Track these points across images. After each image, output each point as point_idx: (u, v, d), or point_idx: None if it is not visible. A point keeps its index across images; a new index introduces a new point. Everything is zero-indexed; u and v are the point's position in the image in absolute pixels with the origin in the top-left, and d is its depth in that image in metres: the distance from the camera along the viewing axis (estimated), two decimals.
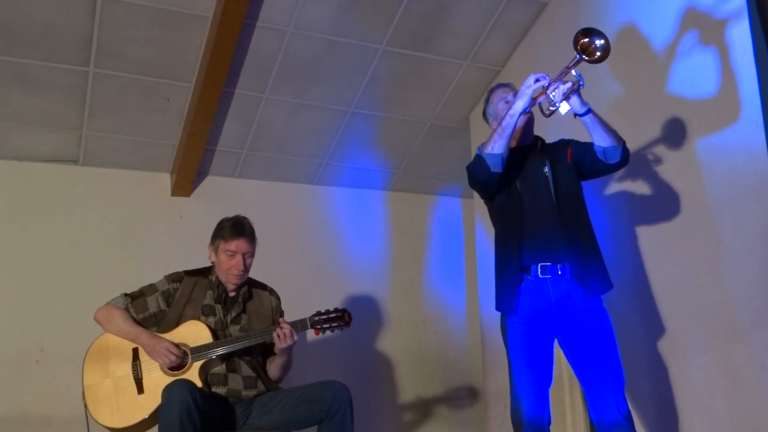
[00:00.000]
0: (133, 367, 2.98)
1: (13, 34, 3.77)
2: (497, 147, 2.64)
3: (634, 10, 3.43)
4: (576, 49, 2.53)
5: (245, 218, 3.18)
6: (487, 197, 2.86)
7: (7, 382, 4.21)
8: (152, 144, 4.60)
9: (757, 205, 2.75)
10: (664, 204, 3.19)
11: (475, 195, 4.76)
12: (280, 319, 3.03)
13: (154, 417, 2.87)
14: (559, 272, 2.64)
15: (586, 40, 2.53)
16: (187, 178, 4.72)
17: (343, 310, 3.10)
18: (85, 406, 2.94)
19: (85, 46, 3.89)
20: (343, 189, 5.23)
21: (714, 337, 2.90)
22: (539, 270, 2.65)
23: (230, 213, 3.23)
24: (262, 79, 4.27)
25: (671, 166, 3.18)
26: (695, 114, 3.03)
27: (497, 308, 2.73)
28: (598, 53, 2.53)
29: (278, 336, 2.97)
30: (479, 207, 4.73)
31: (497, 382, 4.38)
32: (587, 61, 2.54)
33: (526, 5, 4.07)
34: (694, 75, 3.05)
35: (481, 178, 2.71)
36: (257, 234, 3.19)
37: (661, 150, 3.22)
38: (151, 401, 2.89)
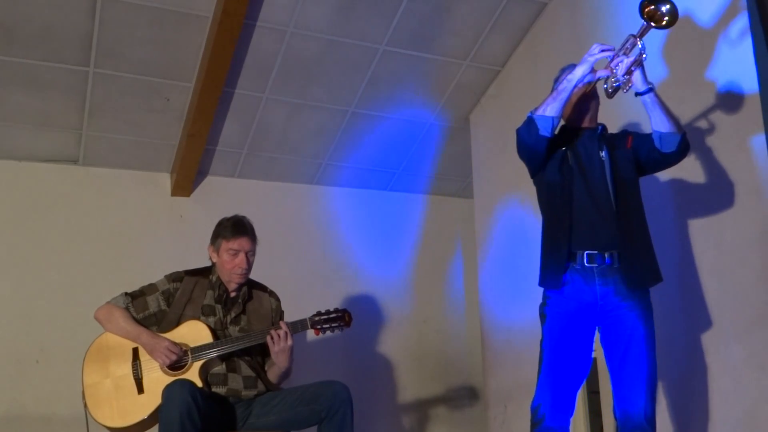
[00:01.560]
0: (133, 367, 2.98)
1: (13, 34, 3.77)
2: (549, 109, 2.55)
3: (633, 10, 3.42)
4: (642, 17, 2.45)
5: (244, 217, 3.18)
6: (535, 169, 2.73)
7: (7, 382, 4.21)
8: (152, 144, 4.60)
9: (758, 205, 2.75)
10: (664, 204, 3.19)
11: (475, 195, 4.78)
12: (281, 323, 3.03)
13: (154, 417, 2.87)
14: (606, 261, 2.55)
15: (652, 7, 2.46)
16: (187, 178, 4.72)
17: (344, 311, 3.09)
18: (85, 405, 2.94)
19: (85, 46, 3.89)
20: (343, 189, 5.23)
21: (714, 336, 2.90)
22: (585, 258, 2.55)
23: (230, 213, 3.23)
24: (262, 79, 4.27)
25: (672, 168, 3.17)
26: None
27: (540, 284, 2.63)
28: (666, 18, 2.45)
29: (271, 338, 2.95)
30: (479, 207, 4.74)
31: (497, 382, 4.38)
32: (656, 27, 2.46)
33: (526, 5, 4.07)
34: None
35: (528, 140, 2.61)
36: (257, 234, 3.19)
37: None
38: (151, 401, 2.88)
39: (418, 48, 4.24)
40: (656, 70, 3.25)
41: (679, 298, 3.07)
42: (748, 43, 2.79)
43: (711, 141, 2.97)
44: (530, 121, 2.59)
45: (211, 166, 4.86)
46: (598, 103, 2.74)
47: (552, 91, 2.66)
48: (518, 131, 2.67)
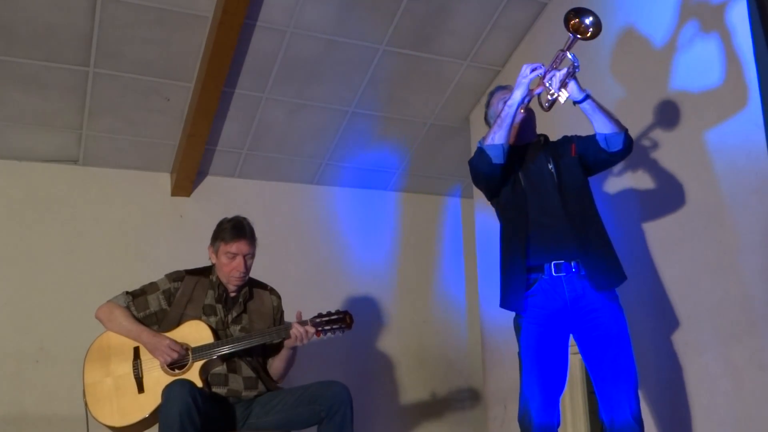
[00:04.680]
0: (133, 366, 2.98)
1: (13, 34, 3.77)
2: (497, 137, 2.64)
3: (633, 10, 3.44)
4: (568, 29, 2.54)
5: (245, 219, 3.17)
6: (491, 194, 2.83)
7: (7, 382, 4.21)
8: (152, 144, 4.60)
9: (757, 205, 2.75)
10: (664, 204, 3.19)
11: (475, 195, 4.78)
12: (301, 319, 3.02)
13: (154, 416, 2.87)
14: (573, 270, 2.61)
15: (576, 20, 2.54)
16: (187, 178, 4.72)
17: (345, 312, 3.08)
18: (86, 404, 2.95)
19: (85, 46, 3.89)
20: (343, 189, 5.23)
21: (714, 337, 2.90)
22: (553, 269, 2.61)
23: (230, 213, 3.23)
24: (262, 79, 4.27)
25: (673, 166, 3.18)
26: (702, 106, 3.00)
27: (502, 305, 2.69)
28: (591, 29, 2.53)
29: (295, 335, 2.97)
30: (479, 207, 4.74)
31: (497, 382, 4.38)
32: (581, 38, 2.54)
33: (526, 5, 4.07)
34: (698, 65, 3.03)
35: (483, 170, 2.69)
36: (257, 234, 3.18)
37: (664, 148, 3.22)
38: (151, 400, 2.89)
39: (418, 48, 4.25)
40: (657, 71, 3.26)
41: (679, 298, 3.07)
42: (748, 43, 2.80)
43: (711, 142, 2.98)
44: (481, 152, 2.69)
45: (211, 166, 4.85)
46: (534, 117, 2.83)
47: (492, 121, 2.75)
48: (471, 162, 2.76)
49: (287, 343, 3.03)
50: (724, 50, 2.89)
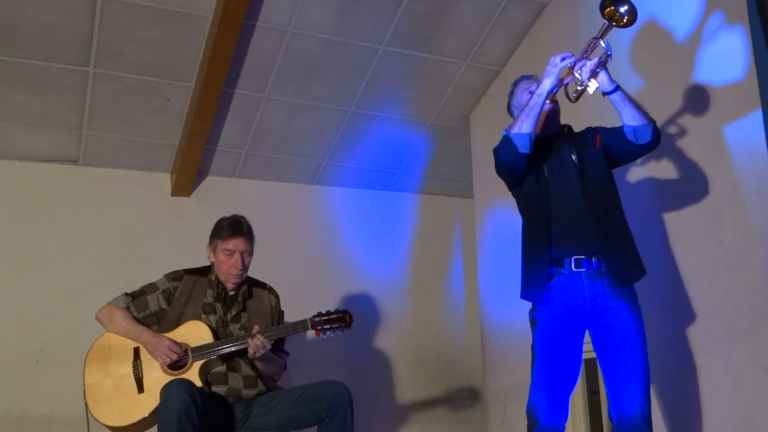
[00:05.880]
0: (134, 367, 2.98)
1: (13, 34, 3.77)
2: (525, 126, 2.60)
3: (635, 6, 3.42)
4: (603, 16, 2.50)
5: (243, 217, 3.18)
6: (514, 184, 2.79)
7: (7, 382, 4.21)
8: (152, 144, 4.60)
9: (757, 205, 2.75)
10: (664, 205, 3.19)
11: (475, 195, 4.78)
12: (256, 335, 2.98)
13: (154, 416, 2.87)
14: (594, 266, 2.57)
15: (612, 7, 2.51)
16: (187, 178, 4.72)
17: (344, 311, 3.08)
18: (86, 404, 2.95)
19: (85, 46, 3.89)
20: (343, 189, 5.23)
21: (714, 337, 2.90)
22: (573, 264, 2.58)
23: (230, 213, 3.23)
24: (262, 79, 4.27)
25: (671, 168, 3.18)
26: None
27: (523, 296, 2.66)
28: (626, 17, 2.50)
29: (251, 346, 2.94)
30: (479, 207, 4.74)
31: (497, 382, 4.38)
32: (616, 26, 2.51)
33: (526, 5, 4.07)
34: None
35: (508, 159, 2.65)
36: (257, 234, 3.19)
37: (666, 147, 3.21)
38: (151, 400, 2.89)
39: (418, 48, 4.25)
40: (659, 72, 3.26)
41: (679, 298, 3.07)
42: (748, 43, 2.80)
43: (711, 141, 2.98)
44: (508, 141, 2.64)
45: (211, 166, 4.86)
46: (558, 108, 2.79)
47: (516, 111, 2.73)
48: (496, 151, 2.72)
49: (249, 354, 2.99)
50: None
